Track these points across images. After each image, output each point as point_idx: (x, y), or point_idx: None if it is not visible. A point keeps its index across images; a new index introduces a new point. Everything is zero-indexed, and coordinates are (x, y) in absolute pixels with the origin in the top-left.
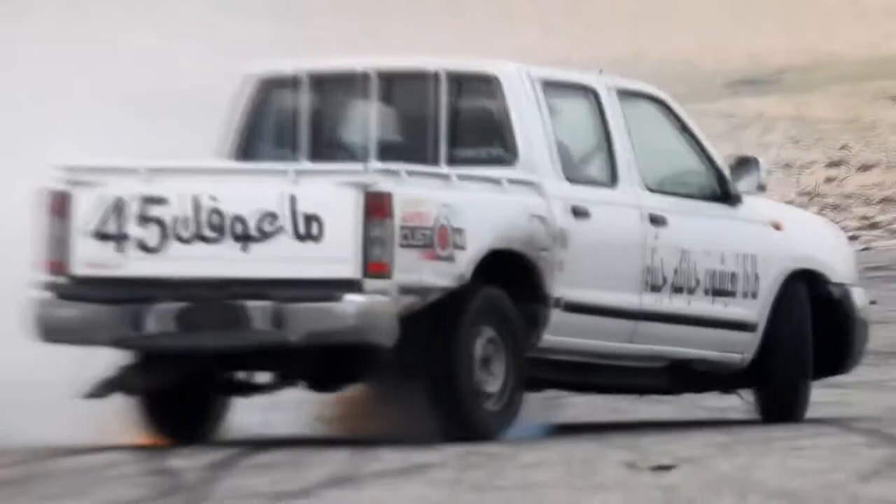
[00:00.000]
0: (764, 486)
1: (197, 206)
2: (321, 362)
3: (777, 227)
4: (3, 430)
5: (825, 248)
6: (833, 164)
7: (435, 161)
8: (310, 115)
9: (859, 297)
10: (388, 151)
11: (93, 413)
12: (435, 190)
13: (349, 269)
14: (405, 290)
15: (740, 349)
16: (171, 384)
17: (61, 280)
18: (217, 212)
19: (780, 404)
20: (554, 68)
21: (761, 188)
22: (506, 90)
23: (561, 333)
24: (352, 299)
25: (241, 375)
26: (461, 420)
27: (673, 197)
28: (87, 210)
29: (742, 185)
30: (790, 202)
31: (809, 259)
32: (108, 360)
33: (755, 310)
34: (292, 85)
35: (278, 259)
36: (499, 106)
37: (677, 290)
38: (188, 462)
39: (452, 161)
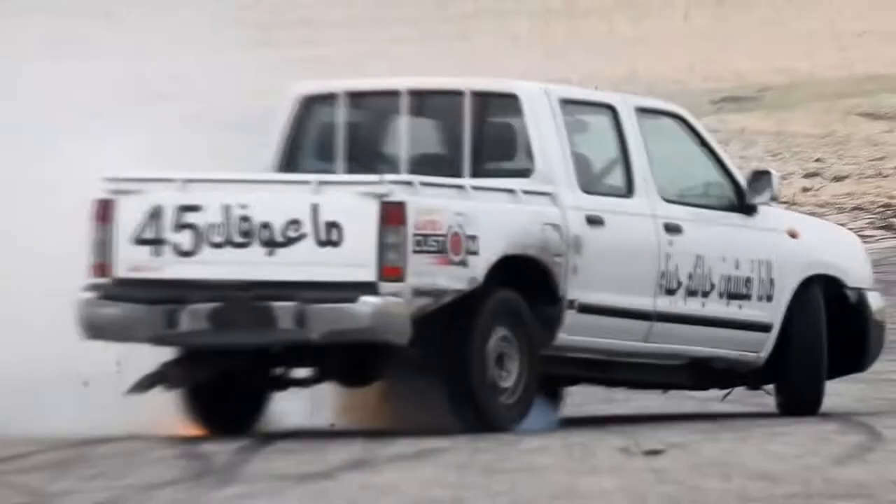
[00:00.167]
0: (745, 469)
1: (228, 214)
2: (349, 360)
3: (793, 234)
4: (49, 420)
5: (841, 254)
6: (809, 175)
7: (460, 172)
8: (347, 130)
9: (875, 300)
10: (417, 163)
11: (138, 406)
12: (448, 199)
13: (366, 272)
14: (418, 292)
15: (756, 348)
16: (207, 380)
17: (105, 281)
18: (246, 219)
19: (797, 400)
20: (574, 87)
21: (774, 198)
22: (526, 108)
23: (577, 333)
24: (367, 301)
25: (278, 371)
26: (476, 413)
27: (689, 207)
28: (128, 217)
29: (757, 197)
30: None
31: (825, 265)
32: (149, 357)
33: (770, 312)
34: (331, 102)
35: (301, 263)
36: (519, 122)
37: (692, 293)
38: (218, 447)
39: (476, 172)
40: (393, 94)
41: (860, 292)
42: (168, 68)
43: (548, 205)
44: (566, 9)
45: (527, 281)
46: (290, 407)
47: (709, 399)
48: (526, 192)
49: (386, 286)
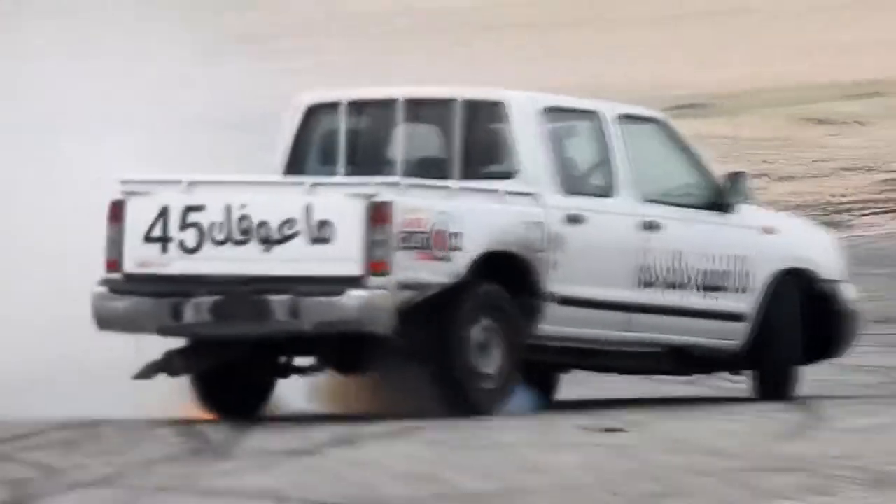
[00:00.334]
0: (697, 445)
1: (229, 213)
2: (344, 349)
3: (769, 231)
4: (61, 404)
5: (815, 249)
6: (757, 175)
7: (451, 174)
8: (348, 135)
9: (848, 291)
10: (413, 166)
11: (144, 392)
12: (433, 199)
13: (354, 267)
14: (403, 286)
15: (732, 336)
16: (210, 368)
17: (116, 276)
18: (245, 218)
19: (773, 384)
20: (560, 95)
21: (748, 198)
22: (512, 114)
23: (558, 324)
24: (354, 294)
25: (281, 360)
26: (460, 398)
27: (669, 206)
28: (138, 216)
29: (733, 196)
30: None
31: (799, 259)
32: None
33: (746, 303)
34: (334, 110)
35: (295, 259)
36: (505, 128)
37: (671, 285)
38: (214, 427)
39: (466, 174)
40: (391, 102)
41: (833, 284)
42: (169, 72)
43: (530, 204)
44: (540, 22)
45: (510, 275)
46: (288, 393)
47: (688, 383)
48: (509, 193)
49: (372, 280)
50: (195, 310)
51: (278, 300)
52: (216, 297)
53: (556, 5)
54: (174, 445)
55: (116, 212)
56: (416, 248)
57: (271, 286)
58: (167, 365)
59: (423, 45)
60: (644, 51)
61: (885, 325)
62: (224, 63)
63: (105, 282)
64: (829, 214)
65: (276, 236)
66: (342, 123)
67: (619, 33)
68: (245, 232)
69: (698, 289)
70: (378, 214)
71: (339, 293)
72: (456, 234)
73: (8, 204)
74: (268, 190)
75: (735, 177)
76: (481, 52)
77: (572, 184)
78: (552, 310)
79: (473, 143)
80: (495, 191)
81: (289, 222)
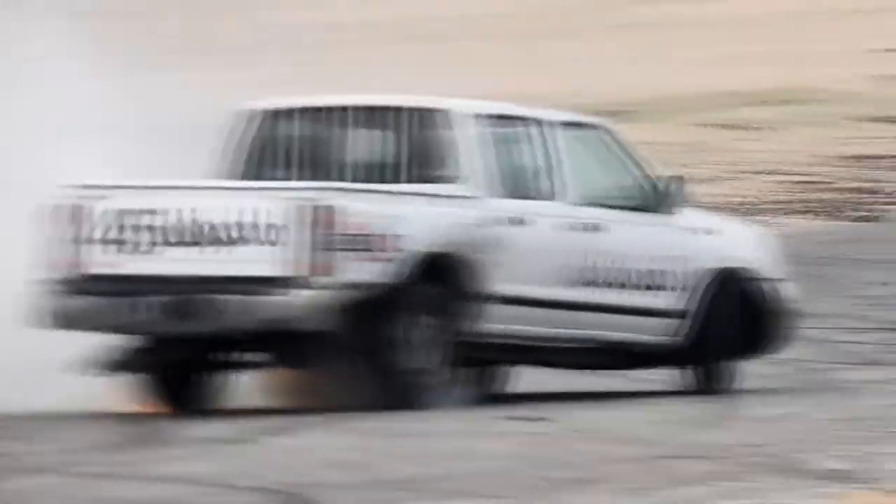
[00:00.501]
0: (616, 434)
1: (181, 217)
2: (291, 346)
3: (708, 232)
4: (19, 401)
5: (754, 249)
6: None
7: (398, 179)
8: (300, 142)
9: (786, 290)
10: (361, 171)
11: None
12: (376, 203)
13: (299, 268)
14: (346, 285)
15: (672, 333)
16: (168, 364)
17: (74, 277)
18: (197, 221)
19: (712, 379)
20: (502, 103)
21: (686, 200)
22: (454, 122)
23: (499, 321)
24: (298, 293)
25: (235, 357)
26: (399, 394)
27: (609, 209)
28: (96, 219)
29: (672, 199)
30: None
31: (738, 259)
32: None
33: (685, 301)
34: (287, 117)
35: (244, 260)
36: (449, 135)
37: (610, 285)
38: (157, 417)
39: (412, 179)
40: (341, 109)
41: (771, 283)
42: (106, 80)
43: (471, 208)
44: (463, 35)
45: (452, 276)
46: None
47: (630, 378)
48: (451, 197)
49: (316, 280)
50: (148, 309)
51: (228, 299)
52: (169, 297)
53: (478, 20)
54: (119, 434)
55: (74, 215)
56: (359, 249)
57: (221, 286)
58: (125, 362)
59: (355, 56)
60: (565, 62)
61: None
62: (162, 72)
63: (63, 282)
64: (744, 216)
65: (226, 239)
66: (294, 130)
67: (541, 45)
68: (196, 234)
69: (638, 288)
70: (322, 218)
71: (285, 293)
72: (398, 237)
73: None
74: (218, 194)
75: (674, 180)
76: (405, 64)
77: (513, 188)
78: (493, 308)
79: (418, 149)
80: (437, 195)
81: (238, 225)
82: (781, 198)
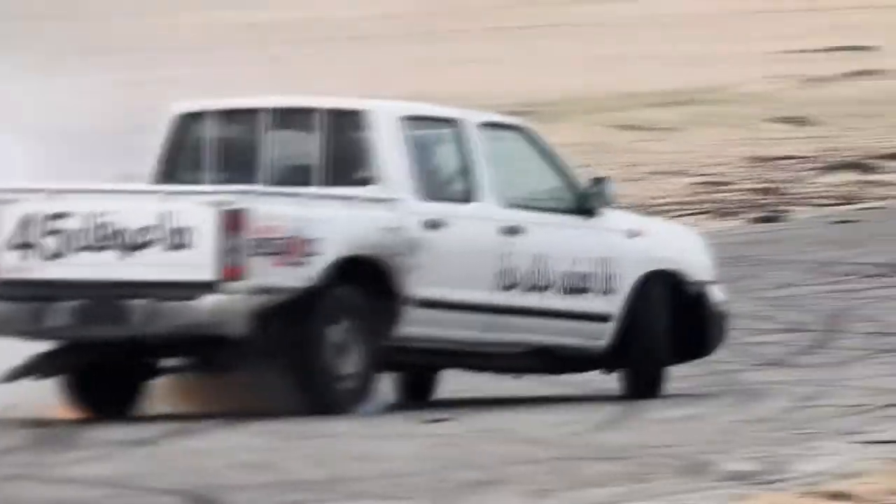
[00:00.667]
0: (519, 435)
1: (90, 221)
2: (205, 351)
3: (635, 234)
4: None
5: (683, 251)
6: None
7: (315, 181)
8: (217, 144)
9: (716, 293)
10: (278, 174)
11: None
12: (288, 206)
13: (208, 273)
14: (257, 290)
15: (596, 337)
16: (76, 370)
17: None
18: (105, 225)
19: (641, 383)
20: (421, 104)
21: (609, 202)
22: (371, 123)
23: (418, 325)
24: (208, 298)
25: (153, 361)
26: (319, 398)
27: (530, 211)
28: (2, 223)
29: (595, 200)
30: None
31: (665, 261)
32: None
33: (609, 304)
34: (204, 119)
35: (153, 265)
36: (366, 136)
37: (531, 288)
38: (58, 420)
39: (329, 181)
40: (257, 111)
41: (701, 285)
42: (24, 81)
43: (388, 210)
44: (371, 34)
45: (369, 279)
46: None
47: (557, 382)
48: (368, 199)
49: (226, 285)
50: (57, 314)
51: (137, 304)
52: (78, 302)
53: (382, 19)
54: (20, 437)
55: None
56: (271, 253)
57: (130, 291)
58: (36, 367)
59: (260, 56)
60: (464, 63)
61: None
62: (77, 74)
63: None
64: (648, 216)
65: (135, 242)
66: (211, 132)
67: (443, 45)
68: (105, 238)
69: (561, 291)
70: (232, 221)
71: (194, 298)
72: (312, 240)
73: None
74: (127, 198)
75: (599, 181)
76: (303, 64)
77: (432, 190)
78: (412, 312)
79: (336, 151)
80: (353, 197)
81: (147, 229)
82: (683, 199)
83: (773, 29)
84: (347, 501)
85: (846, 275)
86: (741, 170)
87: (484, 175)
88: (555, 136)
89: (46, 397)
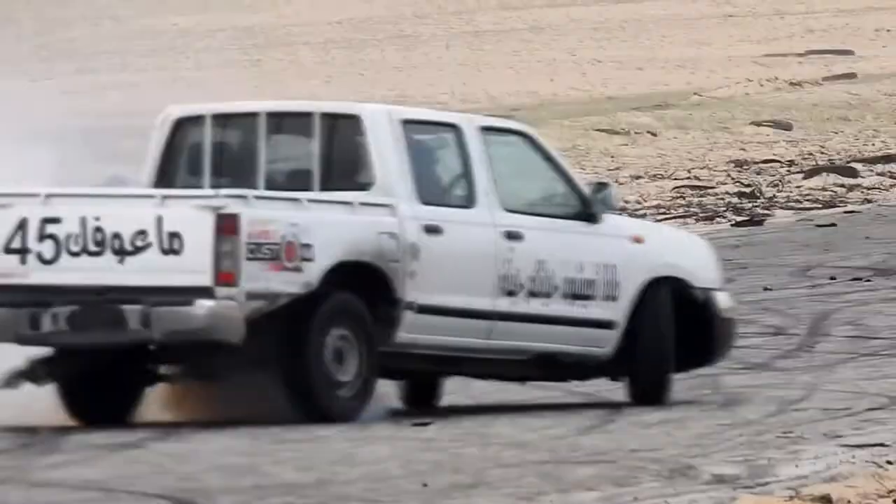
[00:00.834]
0: (503, 438)
1: (84, 225)
2: (200, 358)
3: (638, 240)
4: None
5: (687, 257)
6: None
7: (311, 186)
8: (213, 148)
9: (723, 299)
10: (274, 178)
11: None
12: (282, 211)
13: (202, 278)
14: (252, 296)
15: (600, 344)
16: (72, 376)
17: None
18: (100, 230)
19: (647, 390)
20: (419, 109)
21: (613, 207)
22: (367, 127)
23: (418, 332)
24: (202, 304)
25: (147, 368)
26: (316, 406)
27: (532, 216)
28: None
29: (598, 206)
30: None
31: (670, 267)
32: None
33: (614, 311)
34: (199, 123)
35: (147, 270)
36: (361, 140)
37: (534, 294)
38: (48, 423)
39: (325, 186)
40: (253, 115)
41: (707, 292)
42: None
43: (385, 215)
44: (344, 39)
45: (366, 285)
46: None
47: (556, 389)
48: (364, 204)
49: (220, 290)
50: (52, 319)
51: (131, 310)
52: (72, 307)
53: (356, 24)
54: (4, 440)
55: None
56: (265, 258)
57: (125, 296)
58: (30, 373)
59: (227, 59)
60: (445, 66)
61: None
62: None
63: None
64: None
65: (129, 247)
66: (207, 136)
67: (419, 50)
68: (99, 243)
69: (564, 297)
70: (225, 226)
71: (188, 303)
72: (307, 245)
73: None
74: (121, 202)
75: (600, 187)
76: (276, 68)
77: (430, 195)
78: (410, 318)
79: (332, 155)
80: (349, 202)
81: (141, 234)
82: (661, 202)
83: (751, 33)
84: None
85: (829, 278)
86: (718, 173)
87: (484, 180)
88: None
89: (35, 403)
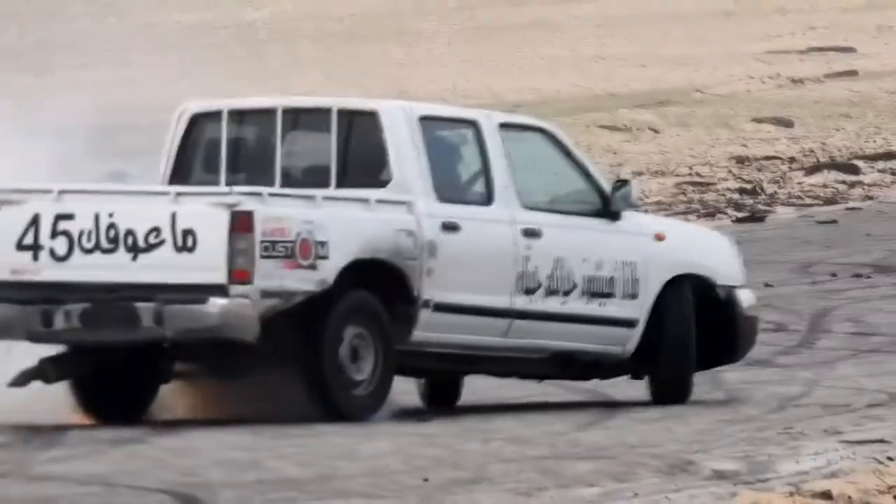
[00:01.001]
0: (503, 434)
1: (97, 222)
2: (211, 355)
3: (659, 237)
4: None
5: (709, 255)
6: None
7: (328, 183)
8: (229, 144)
9: (745, 296)
10: (291, 175)
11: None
12: (297, 208)
13: (216, 276)
14: (266, 293)
15: (620, 342)
16: (84, 374)
17: None
18: (113, 226)
19: (668, 389)
20: (437, 105)
21: (633, 205)
22: (384, 123)
23: (435, 330)
24: (216, 302)
25: (161, 366)
26: (332, 404)
27: (551, 213)
28: (9, 224)
29: (619, 203)
30: None
31: (692, 265)
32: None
33: (634, 309)
34: (216, 119)
35: (161, 267)
36: (378, 137)
37: (552, 292)
38: (49, 418)
39: (341, 183)
40: (270, 111)
41: (729, 290)
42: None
43: (402, 212)
44: (345, 33)
45: (382, 283)
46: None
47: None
48: (380, 201)
49: (235, 288)
50: (65, 317)
51: (144, 307)
52: (85, 305)
53: (357, 19)
54: (5, 434)
55: None
56: (280, 256)
57: (138, 293)
58: (41, 372)
59: (229, 55)
60: (444, 63)
61: None
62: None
63: None
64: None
65: (143, 244)
66: (223, 132)
67: (421, 46)
68: (113, 240)
69: (583, 295)
70: (240, 223)
71: (202, 301)
72: (322, 243)
73: None
74: (135, 199)
75: (621, 184)
76: (277, 64)
77: (448, 192)
78: (427, 316)
79: (349, 151)
80: (365, 199)
81: (155, 231)
82: (663, 199)
83: (753, 31)
84: (334, 500)
85: (830, 275)
86: (719, 170)
87: (503, 177)
88: None
89: (38, 401)
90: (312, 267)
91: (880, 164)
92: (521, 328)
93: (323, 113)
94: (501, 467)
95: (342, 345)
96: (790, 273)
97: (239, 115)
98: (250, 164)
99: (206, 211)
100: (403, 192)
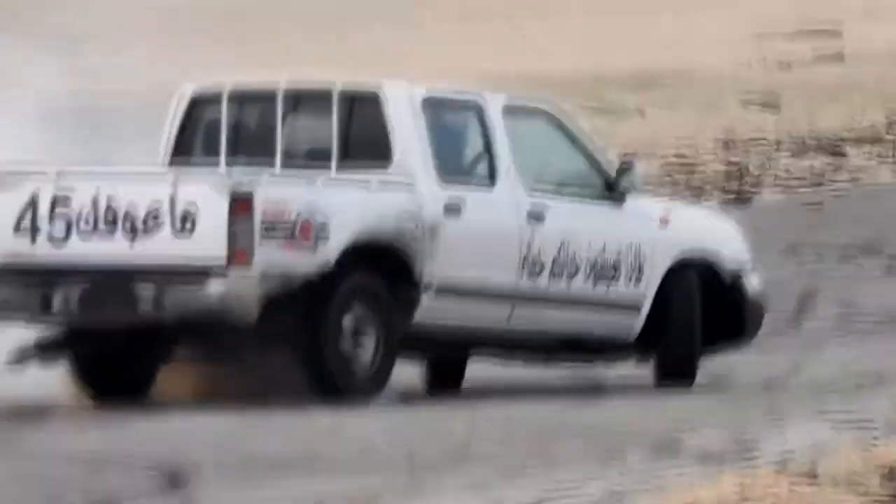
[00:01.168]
0: (491, 413)
1: (96, 203)
2: (211, 338)
3: (664, 221)
4: None
5: (715, 239)
6: None
7: (329, 164)
8: (230, 125)
9: (751, 281)
10: (292, 156)
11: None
12: (298, 189)
13: (216, 257)
14: (266, 275)
15: (626, 326)
16: (83, 355)
17: None
18: (112, 208)
19: (673, 373)
20: (440, 86)
21: (635, 187)
22: (387, 105)
23: (437, 312)
24: (216, 283)
25: (160, 348)
26: (333, 386)
27: (556, 196)
28: (6, 206)
29: (624, 185)
30: None
31: (697, 249)
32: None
33: (639, 293)
34: (216, 100)
35: (161, 248)
36: (381, 118)
37: (557, 275)
38: (36, 395)
39: (344, 164)
40: (271, 92)
41: (735, 274)
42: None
43: (404, 194)
44: (334, 19)
45: (385, 265)
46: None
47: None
48: (382, 183)
49: (234, 270)
50: (63, 299)
51: (143, 289)
52: (84, 286)
53: (346, 3)
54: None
55: None
56: (280, 237)
57: (137, 275)
58: (39, 352)
59: (211, 36)
60: (434, 46)
61: None
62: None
63: None
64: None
65: (142, 226)
66: (224, 113)
67: (409, 30)
68: (112, 221)
69: (587, 278)
70: (240, 204)
71: (202, 283)
72: (323, 225)
73: None
74: (134, 180)
75: (626, 166)
76: (266, 48)
77: (451, 174)
78: (430, 299)
79: (351, 132)
80: (366, 181)
81: (154, 212)
82: (650, 180)
83: (740, 13)
84: (322, 477)
85: (816, 254)
86: (709, 152)
87: (506, 159)
88: None
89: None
90: (313, 248)
91: (867, 148)
92: (524, 311)
93: (324, 94)
94: (492, 446)
95: (343, 327)
96: (776, 255)
97: (239, 97)
98: (251, 146)
99: (205, 192)
100: (405, 173)
